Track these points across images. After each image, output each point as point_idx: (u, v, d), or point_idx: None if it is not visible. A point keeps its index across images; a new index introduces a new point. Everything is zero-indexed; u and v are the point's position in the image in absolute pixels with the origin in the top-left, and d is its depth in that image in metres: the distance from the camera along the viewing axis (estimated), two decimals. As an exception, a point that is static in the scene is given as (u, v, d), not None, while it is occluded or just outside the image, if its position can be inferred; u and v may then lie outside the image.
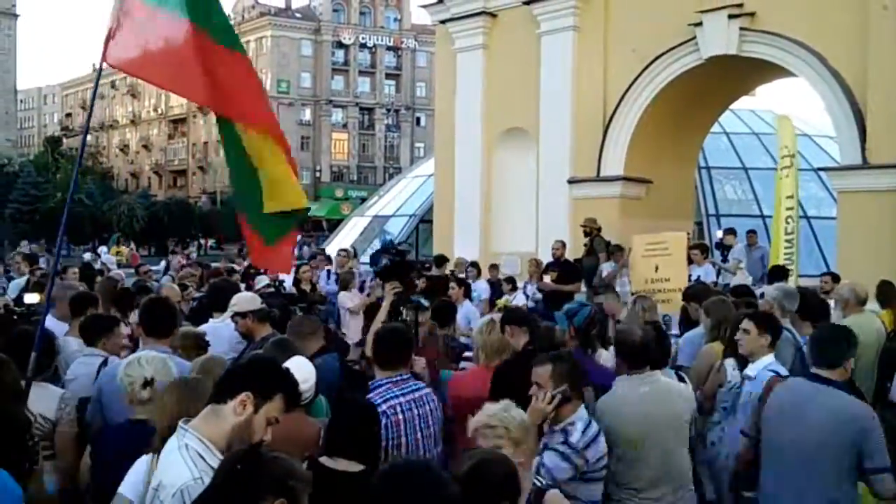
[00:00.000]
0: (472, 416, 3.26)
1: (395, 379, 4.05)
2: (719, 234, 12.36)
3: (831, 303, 7.14)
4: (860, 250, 10.47)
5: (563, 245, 12.16)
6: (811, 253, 16.77)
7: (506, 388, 4.37)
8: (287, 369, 2.89)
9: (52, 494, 3.80)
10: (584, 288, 11.96)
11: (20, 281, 9.93)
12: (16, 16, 56.28)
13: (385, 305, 5.37)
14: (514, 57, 14.34)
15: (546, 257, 12.38)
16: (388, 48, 78.81)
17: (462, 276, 11.69)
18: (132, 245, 41.88)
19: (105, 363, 4.75)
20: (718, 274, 11.80)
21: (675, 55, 12.51)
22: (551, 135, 13.80)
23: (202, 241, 53.41)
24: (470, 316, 9.01)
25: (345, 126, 78.01)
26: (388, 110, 78.73)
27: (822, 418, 3.88)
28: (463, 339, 7.12)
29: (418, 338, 5.10)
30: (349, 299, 10.47)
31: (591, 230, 12.10)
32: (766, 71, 12.74)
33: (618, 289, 11.52)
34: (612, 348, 6.01)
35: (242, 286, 9.25)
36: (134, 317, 7.12)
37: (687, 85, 12.77)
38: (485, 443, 3.11)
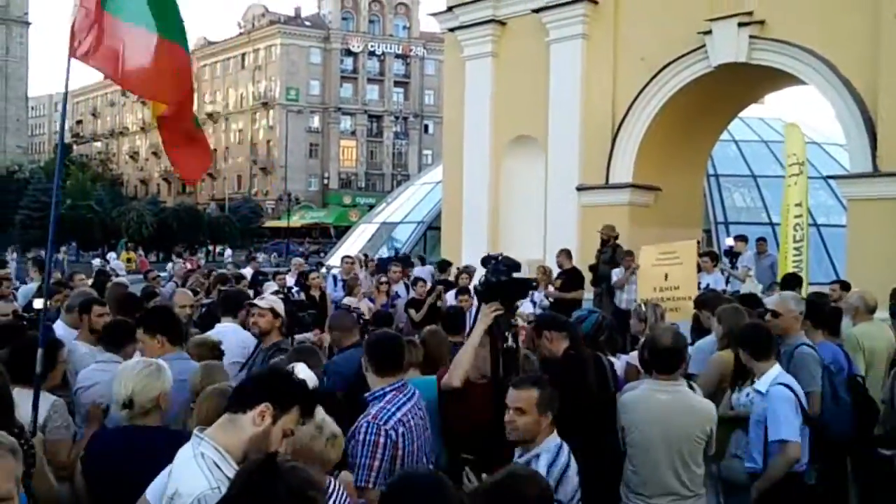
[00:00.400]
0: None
1: (396, 385, 3.96)
2: (729, 241, 12.32)
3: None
4: (870, 258, 10.42)
5: (566, 254, 12.14)
6: (821, 261, 16.69)
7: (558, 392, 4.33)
8: (304, 382, 2.88)
9: None
10: (588, 295, 11.98)
11: (30, 287, 9.96)
12: (28, 24, 56.65)
13: (479, 330, 4.24)
14: (522, 65, 14.35)
15: (554, 264, 12.38)
16: (397, 56, 79.05)
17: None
18: (140, 251, 42.02)
19: None
20: (727, 281, 11.75)
21: (684, 63, 12.50)
22: (560, 142, 13.79)
23: (210, 248, 53.54)
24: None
25: (353, 133, 78.23)
26: (397, 118, 78.92)
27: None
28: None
29: (517, 368, 4.28)
30: (353, 305, 10.47)
31: (610, 238, 12.09)
32: (775, 79, 12.72)
33: (625, 295, 11.59)
34: (622, 356, 6.00)
35: (251, 293, 9.27)
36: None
37: (696, 93, 12.75)
38: None
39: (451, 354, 5.34)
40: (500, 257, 4.67)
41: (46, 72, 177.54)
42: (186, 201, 69.37)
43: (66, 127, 5.25)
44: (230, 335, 5.75)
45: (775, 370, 4.66)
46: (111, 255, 33.09)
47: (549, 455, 3.54)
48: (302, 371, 3.71)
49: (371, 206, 41.74)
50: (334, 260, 22.38)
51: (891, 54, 10.46)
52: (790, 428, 4.40)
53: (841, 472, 5.65)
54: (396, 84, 79.63)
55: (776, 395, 4.49)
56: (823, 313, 6.10)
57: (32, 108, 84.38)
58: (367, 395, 3.96)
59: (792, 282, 9.22)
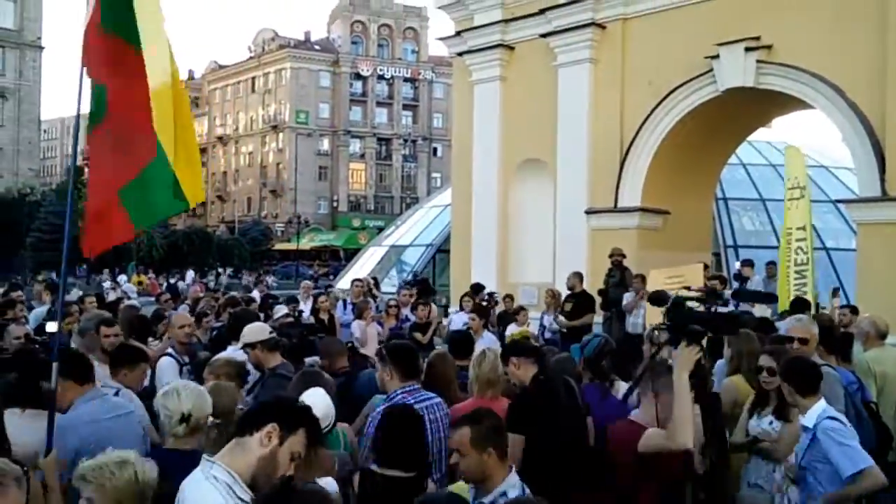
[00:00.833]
0: None
1: (408, 389, 4.42)
2: (738, 265, 12.32)
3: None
4: (880, 282, 10.38)
5: (578, 277, 12.15)
6: (831, 285, 16.62)
7: (524, 420, 4.38)
8: (309, 406, 2.92)
9: None
10: (598, 319, 11.96)
11: (42, 310, 10.02)
12: (41, 48, 57.25)
13: (685, 380, 3.69)
14: (531, 88, 14.45)
15: (564, 287, 12.38)
16: (406, 79, 79.56)
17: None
18: (151, 274, 42.17)
19: (117, 395, 4.68)
20: (738, 306, 11.72)
21: (691, 87, 12.55)
22: (568, 165, 13.84)
23: (220, 270, 53.69)
24: (496, 349, 8.97)
25: (362, 156, 78.60)
26: (406, 141, 79.28)
27: None
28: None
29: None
30: (358, 328, 10.50)
31: (620, 261, 12.11)
32: (783, 103, 12.75)
33: (633, 319, 11.58)
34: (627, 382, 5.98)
35: (261, 315, 9.30)
36: (155, 344, 7.21)
37: (704, 117, 12.80)
38: None
39: (459, 379, 5.38)
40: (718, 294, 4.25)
41: (59, 95, 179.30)
42: (197, 223, 69.71)
43: (78, 150, 5.25)
44: (239, 359, 5.77)
45: (821, 405, 4.43)
46: (122, 278, 33.23)
47: (517, 489, 3.40)
48: (313, 395, 3.75)
49: (380, 229, 41.83)
50: (344, 283, 22.42)
51: (898, 78, 10.49)
52: (862, 456, 4.18)
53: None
54: (405, 107, 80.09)
55: (835, 430, 4.26)
56: (835, 338, 6.10)
57: (44, 132, 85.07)
58: (384, 397, 4.40)
59: (800, 306, 9.19)
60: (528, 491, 3.42)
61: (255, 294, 15.52)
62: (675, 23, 12.72)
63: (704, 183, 14.58)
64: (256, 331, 5.69)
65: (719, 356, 6.12)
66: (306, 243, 64.35)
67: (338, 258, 58.69)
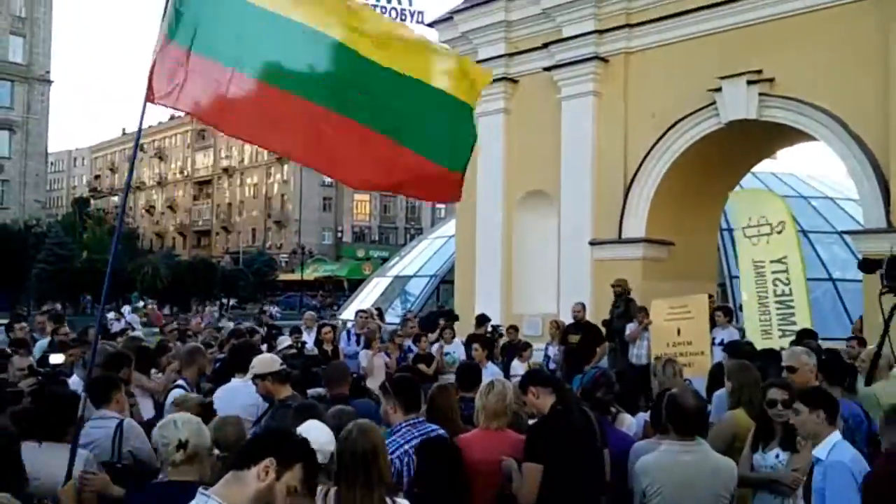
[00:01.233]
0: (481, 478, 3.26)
1: (412, 422, 4.44)
2: (745, 295, 12.26)
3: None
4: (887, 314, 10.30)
5: (584, 307, 12.12)
6: (839, 316, 16.55)
7: (541, 450, 4.35)
8: (306, 440, 2.90)
9: None
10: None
11: (43, 342, 10.00)
12: (50, 82, 57.90)
13: None
14: (534, 121, 14.53)
15: (568, 318, 12.33)
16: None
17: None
18: (154, 304, 42.16)
19: (120, 426, 4.68)
20: (743, 336, 11.67)
21: (694, 120, 12.61)
22: (572, 197, 13.88)
23: (224, 301, 53.69)
24: (504, 379, 8.92)
25: (367, 187, 78.82)
26: (410, 172, 79.52)
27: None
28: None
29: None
30: (365, 358, 10.49)
31: (622, 292, 12.07)
32: (787, 135, 12.80)
33: (636, 350, 11.52)
34: (640, 414, 5.93)
35: (264, 347, 9.28)
36: (158, 377, 7.18)
37: (708, 149, 12.84)
38: None
39: (465, 411, 5.34)
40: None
41: (65, 127, 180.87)
42: (201, 254, 69.86)
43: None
44: (241, 392, 5.74)
45: (837, 436, 4.37)
46: (126, 309, 33.19)
47: None
48: (312, 428, 3.72)
49: (384, 260, 41.89)
50: (348, 313, 22.37)
51: (901, 110, 10.53)
52: None
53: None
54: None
55: (839, 471, 4.20)
56: (839, 370, 6.05)
57: (51, 164, 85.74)
58: (388, 430, 4.39)
59: (806, 336, 9.13)
60: None
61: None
62: (677, 56, 12.82)
63: (709, 214, 14.59)
64: (267, 362, 5.67)
65: (719, 386, 6.08)
66: (310, 274, 64.40)
67: (342, 289, 58.65)
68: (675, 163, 12.93)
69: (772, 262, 11.72)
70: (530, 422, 5.10)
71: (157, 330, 16.30)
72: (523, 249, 14.81)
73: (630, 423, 5.76)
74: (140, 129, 4.63)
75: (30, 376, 6.41)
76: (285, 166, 76.80)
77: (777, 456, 4.82)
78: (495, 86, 15.00)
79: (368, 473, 3.52)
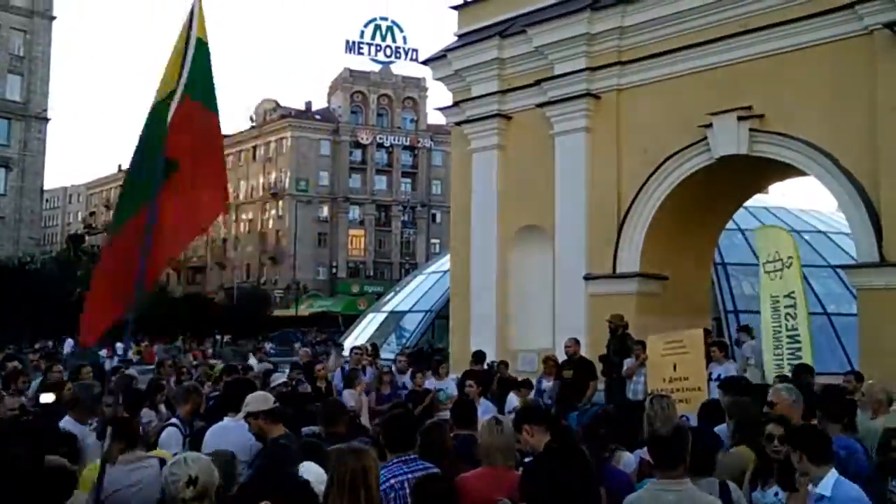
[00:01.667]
0: None
1: (403, 458, 4.49)
2: (766, 331, 12.36)
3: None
4: (883, 347, 10.33)
5: (577, 343, 12.07)
6: (834, 350, 16.54)
7: (537, 489, 4.31)
8: (306, 482, 2.88)
9: None
10: (600, 386, 11.84)
11: (36, 382, 9.91)
12: (47, 119, 58.17)
13: None
14: (528, 156, 14.63)
15: (563, 354, 12.28)
16: (405, 147, 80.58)
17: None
18: (146, 342, 41.88)
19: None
20: (744, 371, 11.68)
21: (686, 155, 12.72)
22: (567, 232, 13.93)
23: (218, 337, 53.39)
24: (488, 415, 8.86)
25: (362, 223, 79.02)
26: (405, 207, 79.85)
27: None
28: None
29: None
30: (350, 398, 10.38)
31: (618, 327, 12.05)
32: (778, 170, 12.91)
33: (633, 386, 11.46)
34: (638, 451, 5.88)
35: (258, 383, 9.20)
36: (149, 415, 7.13)
37: (700, 183, 12.93)
38: None
39: (463, 448, 5.30)
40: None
41: (61, 164, 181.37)
42: (195, 290, 69.65)
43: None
44: (234, 432, 5.69)
45: (833, 473, 4.40)
46: (118, 346, 32.97)
47: None
48: (307, 470, 3.70)
49: (379, 295, 41.78)
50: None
51: (890, 145, 10.64)
52: None
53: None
54: (404, 174, 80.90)
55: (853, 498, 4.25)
56: (839, 407, 6.03)
57: (47, 201, 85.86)
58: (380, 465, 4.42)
59: (804, 371, 9.12)
60: None
61: (253, 362, 15.40)
62: (668, 93, 12.97)
63: (702, 248, 14.65)
64: (260, 400, 5.62)
65: (720, 421, 6.04)
66: (305, 309, 64.17)
67: (336, 324, 58.43)
68: (668, 198, 13.01)
69: (784, 296, 11.85)
70: (526, 459, 5.06)
71: (150, 367, 16.18)
72: (518, 284, 14.81)
73: (627, 460, 5.71)
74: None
75: (21, 416, 6.35)
76: (280, 202, 76.97)
77: (776, 494, 4.77)
78: (489, 122, 15.15)
79: (356, 493, 3.50)
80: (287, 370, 12.02)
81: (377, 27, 71.53)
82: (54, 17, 58.13)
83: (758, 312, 18.24)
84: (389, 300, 27.55)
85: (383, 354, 18.23)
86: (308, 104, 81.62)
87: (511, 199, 14.88)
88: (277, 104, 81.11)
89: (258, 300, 62.94)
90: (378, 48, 70.92)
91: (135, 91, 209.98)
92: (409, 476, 4.36)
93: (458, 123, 15.82)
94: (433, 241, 78.16)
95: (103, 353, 28.60)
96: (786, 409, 5.53)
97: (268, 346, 39.06)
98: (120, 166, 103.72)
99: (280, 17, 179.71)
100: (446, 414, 6.91)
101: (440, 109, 16.90)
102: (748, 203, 16.79)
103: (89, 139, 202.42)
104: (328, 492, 3.55)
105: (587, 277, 13.62)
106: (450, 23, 17.27)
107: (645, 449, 5.79)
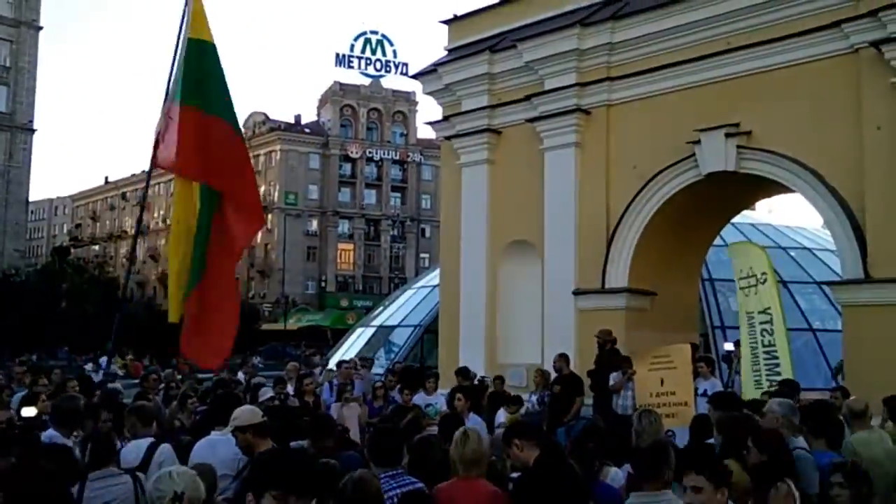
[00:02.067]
0: None
1: (391, 473, 4.52)
2: (727, 346, 12.41)
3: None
4: (869, 363, 10.39)
5: (563, 358, 12.09)
6: (818, 366, 16.64)
7: (527, 502, 4.31)
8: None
9: None
10: (588, 401, 11.85)
11: (20, 395, 9.82)
12: (33, 130, 57.96)
13: None
14: (518, 171, 14.68)
15: (552, 369, 12.30)
16: (394, 162, 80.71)
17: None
18: (129, 356, 41.57)
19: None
20: (730, 386, 11.73)
21: (674, 171, 12.80)
22: (556, 247, 13.96)
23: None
24: (477, 428, 8.85)
25: (351, 237, 78.98)
26: (394, 222, 79.86)
27: None
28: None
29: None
30: (335, 411, 10.40)
31: (606, 342, 12.07)
32: (765, 186, 13.00)
33: (621, 401, 11.48)
34: (621, 467, 5.89)
35: (247, 397, 9.18)
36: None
37: (688, 200, 13.01)
38: None
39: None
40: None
41: (47, 176, 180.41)
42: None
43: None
44: (222, 446, 5.65)
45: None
46: (103, 360, 32.75)
47: None
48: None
49: (368, 309, 41.70)
50: (331, 363, 22.17)
51: (875, 163, 10.75)
52: None
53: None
54: (394, 189, 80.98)
55: None
56: (823, 423, 6.05)
57: (32, 212, 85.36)
58: None
59: (788, 387, 9.14)
60: None
61: (240, 376, 15.30)
62: (657, 109, 13.06)
63: (690, 264, 14.72)
64: (248, 414, 5.61)
65: (709, 435, 6.06)
66: (293, 323, 63.95)
67: (325, 338, 58.22)
68: (657, 213, 13.07)
69: (759, 312, 11.92)
70: (513, 475, 5.06)
71: (136, 381, 16.05)
72: (507, 299, 14.82)
73: (614, 475, 5.71)
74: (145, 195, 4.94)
75: (8, 430, 6.29)
76: (269, 215, 76.82)
77: None
78: (479, 137, 15.19)
79: None
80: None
81: (367, 41, 71.85)
82: (41, 28, 58.08)
83: (743, 328, 18.42)
84: (378, 315, 27.48)
85: (372, 369, 18.16)
86: (297, 117, 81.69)
87: (500, 214, 14.91)
88: (267, 117, 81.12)
89: (247, 314, 62.65)
90: (368, 62, 71.21)
91: (122, 103, 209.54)
92: (398, 491, 4.38)
93: (448, 138, 15.86)
94: (422, 255, 78.17)
95: (89, 366, 28.38)
96: (771, 421, 5.58)
97: (255, 360, 38.87)
98: (106, 178, 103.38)
99: (270, 30, 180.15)
100: (435, 429, 6.88)
101: (430, 123, 16.94)
102: (735, 219, 16.89)
103: (75, 151, 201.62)
104: None
105: (576, 292, 13.65)
106: (440, 37, 17.36)
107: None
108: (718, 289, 20.39)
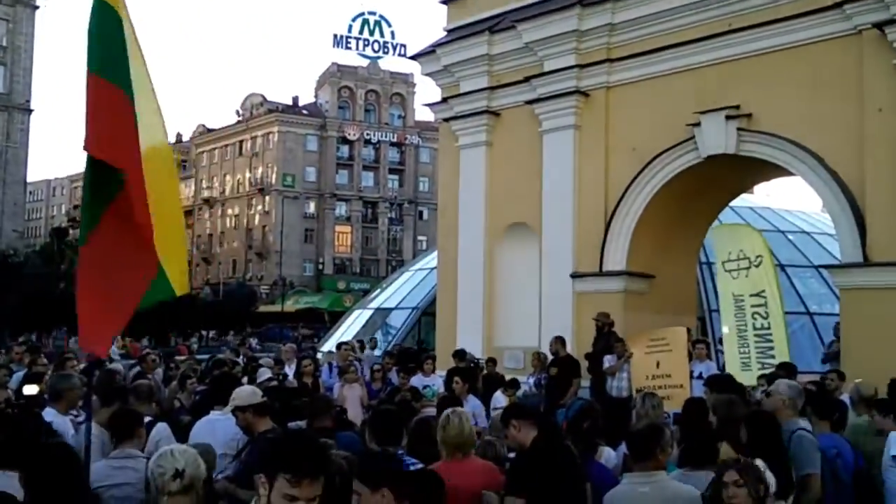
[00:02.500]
0: None
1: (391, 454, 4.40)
2: (726, 329, 12.36)
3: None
4: (866, 347, 10.41)
5: (559, 341, 12.11)
6: (816, 350, 16.65)
7: (523, 483, 4.35)
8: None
9: None
10: (585, 384, 11.90)
11: (20, 374, 9.83)
12: (30, 110, 57.72)
13: None
14: (516, 154, 14.63)
15: (549, 352, 12.34)
16: (392, 144, 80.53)
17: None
18: (127, 338, 41.60)
19: None
20: (723, 370, 11.73)
21: (674, 154, 12.76)
22: (554, 230, 13.94)
23: (203, 333, 53.17)
24: (476, 411, 8.90)
25: (348, 219, 78.94)
26: (392, 204, 79.82)
27: None
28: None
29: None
30: (336, 391, 10.48)
31: (604, 325, 12.09)
32: (764, 169, 12.97)
33: (616, 383, 11.52)
34: (616, 448, 5.91)
35: (245, 379, 9.20)
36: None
37: (687, 182, 12.98)
38: None
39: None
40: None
41: (45, 157, 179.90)
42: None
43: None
44: (221, 425, 5.67)
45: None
46: (103, 340, 32.75)
47: None
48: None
49: (365, 292, 41.74)
50: (329, 345, 22.23)
51: (876, 146, 10.71)
52: None
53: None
54: (391, 171, 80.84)
55: None
56: (827, 405, 6.08)
57: (30, 193, 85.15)
58: None
59: (785, 370, 9.17)
60: None
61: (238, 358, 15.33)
62: (657, 91, 13.00)
63: (688, 247, 14.71)
64: (248, 394, 5.64)
65: (704, 418, 6.07)
66: (291, 306, 64.03)
67: (322, 321, 58.31)
68: (656, 196, 13.04)
69: (751, 295, 11.87)
70: (510, 455, 5.09)
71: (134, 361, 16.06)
72: (505, 282, 14.82)
73: (608, 455, 5.75)
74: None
75: (8, 408, 6.30)
76: (267, 197, 76.72)
77: None
78: (477, 119, 15.13)
79: None
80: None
81: (365, 21, 71.31)
82: (37, 7, 57.71)
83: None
84: (376, 297, 27.51)
85: (369, 352, 18.20)
86: (295, 99, 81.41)
87: (498, 197, 14.88)
88: (264, 98, 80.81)
89: (244, 296, 62.75)
90: (366, 43, 70.70)
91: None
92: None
93: (447, 120, 15.80)
94: (420, 238, 78.18)
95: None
96: (776, 402, 5.57)
97: (253, 341, 38.95)
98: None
99: (268, 10, 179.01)
100: (433, 410, 6.92)
101: (428, 105, 16.87)
102: (734, 203, 16.86)
103: (73, 132, 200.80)
104: None
105: (574, 275, 13.65)
106: (439, 18, 17.27)
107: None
108: (716, 272, 20.41)
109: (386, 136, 79.89)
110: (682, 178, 12.86)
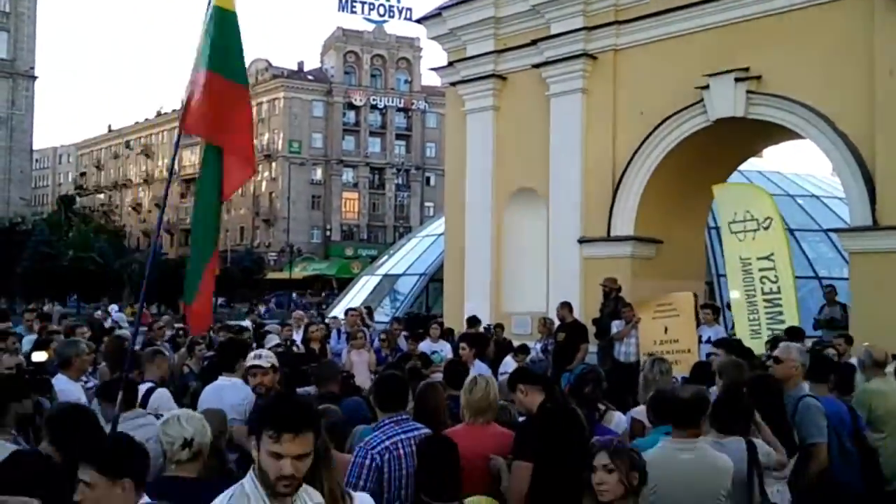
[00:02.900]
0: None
1: (396, 419, 4.46)
2: (735, 294, 12.23)
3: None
4: (874, 311, 10.39)
5: (566, 306, 12.10)
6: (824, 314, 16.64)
7: (531, 448, 4.37)
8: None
9: None
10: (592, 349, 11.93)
11: (30, 339, 9.91)
12: (34, 77, 57.52)
13: None
14: (523, 118, 14.53)
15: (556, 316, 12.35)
16: (399, 109, 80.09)
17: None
18: (137, 304, 41.89)
19: None
20: (733, 335, 11.72)
21: (682, 117, 12.64)
22: (561, 195, 13.88)
23: (213, 299, 53.47)
24: (489, 376, 8.89)
25: (355, 185, 78.84)
26: (398, 170, 79.60)
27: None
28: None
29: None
30: (345, 356, 10.55)
31: (612, 290, 12.08)
32: (774, 133, 12.85)
33: (623, 348, 11.54)
34: (631, 411, 5.93)
35: (254, 345, 9.24)
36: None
37: (695, 146, 12.87)
38: None
39: (453, 409, 5.34)
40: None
41: (51, 124, 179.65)
42: (189, 253, 69.55)
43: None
44: (229, 391, 5.72)
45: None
46: (113, 308, 33.01)
47: None
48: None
49: (373, 258, 41.81)
50: (337, 311, 22.31)
51: (887, 109, 10.58)
52: None
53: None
54: (398, 137, 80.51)
55: None
56: (824, 369, 6.07)
57: (36, 161, 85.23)
58: (373, 425, 4.52)
59: (793, 334, 9.15)
60: None
61: (247, 322, 15.43)
62: (665, 54, 12.84)
63: (697, 212, 14.63)
64: (266, 356, 5.79)
65: (711, 383, 6.08)
66: (299, 272, 64.25)
67: (330, 287, 58.51)
68: (664, 160, 12.95)
69: (759, 258, 11.67)
70: (521, 419, 5.10)
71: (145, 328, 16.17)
72: (512, 247, 14.80)
73: (618, 420, 5.76)
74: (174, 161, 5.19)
75: (19, 374, 6.35)
76: (273, 164, 76.60)
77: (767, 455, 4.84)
78: (484, 83, 15.00)
79: None
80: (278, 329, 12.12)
81: (370, -15, 70.51)
82: (41, -27, 57.22)
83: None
84: (383, 263, 27.53)
85: (377, 318, 18.27)
86: (300, 64, 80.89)
87: (506, 162, 14.80)
88: (269, 64, 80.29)
89: (252, 263, 62.95)
90: (371, 6, 69.97)
91: (125, 50, 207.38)
92: (402, 437, 4.37)
93: (453, 84, 15.67)
94: (427, 203, 78.10)
95: (98, 313, 28.64)
96: (789, 369, 5.55)
97: (262, 308, 39.17)
98: (110, 126, 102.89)
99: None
100: (440, 375, 6.94)
101: (434, 69, 16.72)
102: (743, 167, 16.73)
103: (79, 99, 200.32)
104: None
105: (582, 240, 13.62)
106: (445, -19, 16.99)
107: (637, 410, 5.87)
108: (722, 233, 20.32)
109: (392, 102, 79.44)
110: (690, 141, 12.75)
